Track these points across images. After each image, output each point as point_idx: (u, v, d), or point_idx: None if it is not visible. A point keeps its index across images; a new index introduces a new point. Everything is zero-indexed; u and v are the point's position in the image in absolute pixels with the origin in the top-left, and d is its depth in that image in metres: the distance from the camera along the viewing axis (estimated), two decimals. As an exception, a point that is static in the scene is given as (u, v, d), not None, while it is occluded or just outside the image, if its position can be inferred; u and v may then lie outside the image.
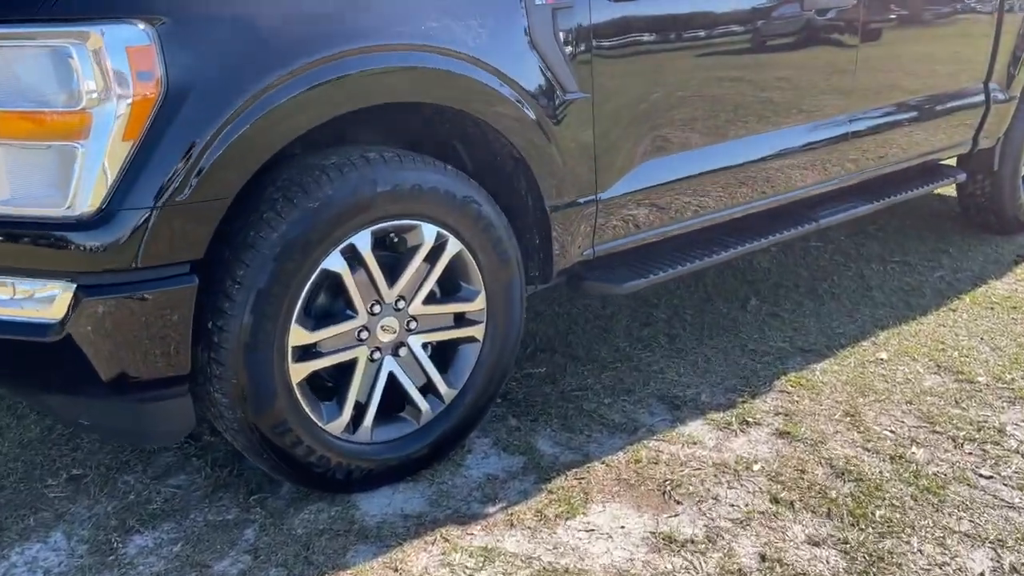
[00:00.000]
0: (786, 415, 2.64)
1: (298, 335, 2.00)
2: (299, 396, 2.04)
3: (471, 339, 2.34)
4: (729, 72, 2.78)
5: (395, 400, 2.26)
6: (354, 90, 1.94)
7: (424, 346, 2.28)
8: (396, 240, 2.18)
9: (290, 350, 2.00)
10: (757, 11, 2.78)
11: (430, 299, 2.24)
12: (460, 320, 2.32)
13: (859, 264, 3.94)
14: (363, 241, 2.04)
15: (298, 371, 2.03)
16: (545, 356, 3.03)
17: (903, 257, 4.03)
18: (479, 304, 2.31)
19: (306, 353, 2.05)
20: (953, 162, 4.05)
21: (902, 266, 3.93)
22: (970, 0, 3.60)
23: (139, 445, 2.38)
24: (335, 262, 2.01)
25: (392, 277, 2.15)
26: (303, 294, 1.98)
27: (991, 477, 2.34)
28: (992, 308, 3.48)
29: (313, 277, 1.99)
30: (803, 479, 2.31)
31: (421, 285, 2.20)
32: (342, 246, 2.01)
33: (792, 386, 2.83)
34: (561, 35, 2.28)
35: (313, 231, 1.94)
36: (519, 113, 2.23)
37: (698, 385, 2.84)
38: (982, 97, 3.81)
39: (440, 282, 2.27)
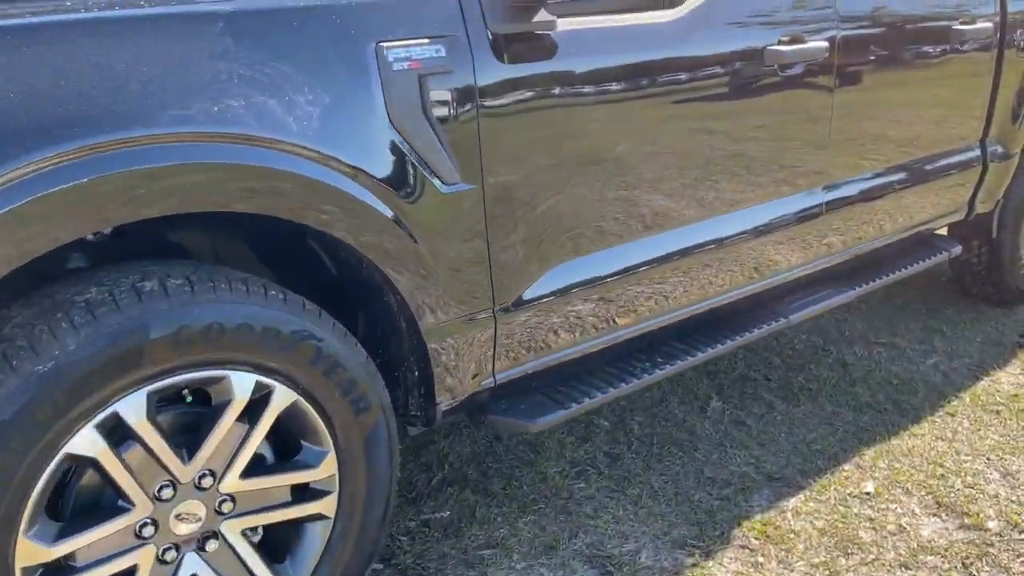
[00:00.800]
0: (747, 589, 2.05)
1: (30, 552, 1.38)
2: (38, 635, 1.43)
3: (319, 516, 1.74)
4: (668, 141, 2.21)
5: (206, 608, 1.65)
6: (101, 203, 1.35)
7: (250, 531, 1.67)
8: (194, 394, 1.59)
9: (18, 572, 1.39)
10: (705, 63, 2.22)
11: (253, 469, 1.64)
12: (302, 492, 1.72)
13: (839, 348, 3.37)
14: (135, 407, 1.44)
15: (35, 600, 1.42)
16: (453, 492, 2.42)
17: (890, 338, 3.47)
18: (326, 470, 1.71)
19: (52, 572, 1.44)
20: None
21: (889, 350, 3.37)
22: (962, 40, 3.00)
23: None
24: (86, 442, 1.40)
25: (192, 446, 1.55)
26: (35, 494, 1.37)
27: None
28: (998, 412, 2.90)
29: (50, 468, 1.38)
30: None
31: (237, 453, 1.60)
32: (98, 419, 1.41)
33: (757, 537, 2.23)
34: (435, 110, 1.70)
35: (42, 406, 1.33)
36: (372, 215, 1.64)
37: (639, 536, 2.24)
38: (978, 154, 3.27)
39: (271, 442, 1.67)
